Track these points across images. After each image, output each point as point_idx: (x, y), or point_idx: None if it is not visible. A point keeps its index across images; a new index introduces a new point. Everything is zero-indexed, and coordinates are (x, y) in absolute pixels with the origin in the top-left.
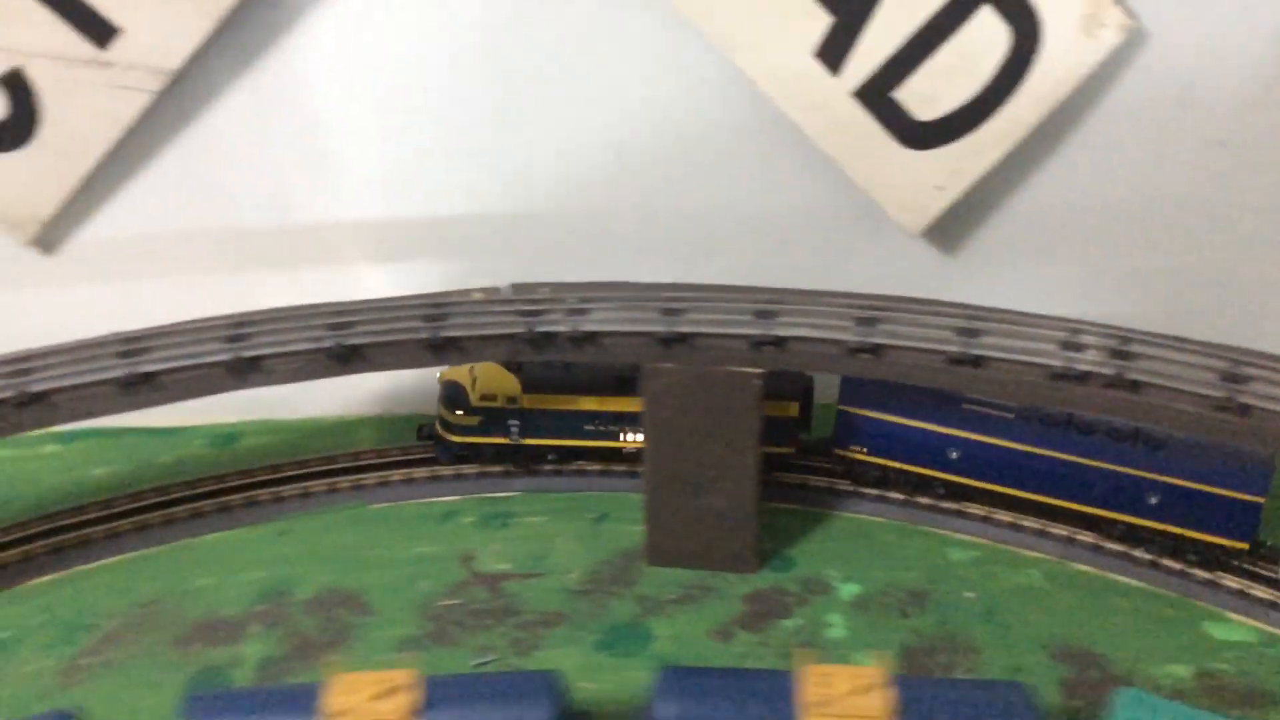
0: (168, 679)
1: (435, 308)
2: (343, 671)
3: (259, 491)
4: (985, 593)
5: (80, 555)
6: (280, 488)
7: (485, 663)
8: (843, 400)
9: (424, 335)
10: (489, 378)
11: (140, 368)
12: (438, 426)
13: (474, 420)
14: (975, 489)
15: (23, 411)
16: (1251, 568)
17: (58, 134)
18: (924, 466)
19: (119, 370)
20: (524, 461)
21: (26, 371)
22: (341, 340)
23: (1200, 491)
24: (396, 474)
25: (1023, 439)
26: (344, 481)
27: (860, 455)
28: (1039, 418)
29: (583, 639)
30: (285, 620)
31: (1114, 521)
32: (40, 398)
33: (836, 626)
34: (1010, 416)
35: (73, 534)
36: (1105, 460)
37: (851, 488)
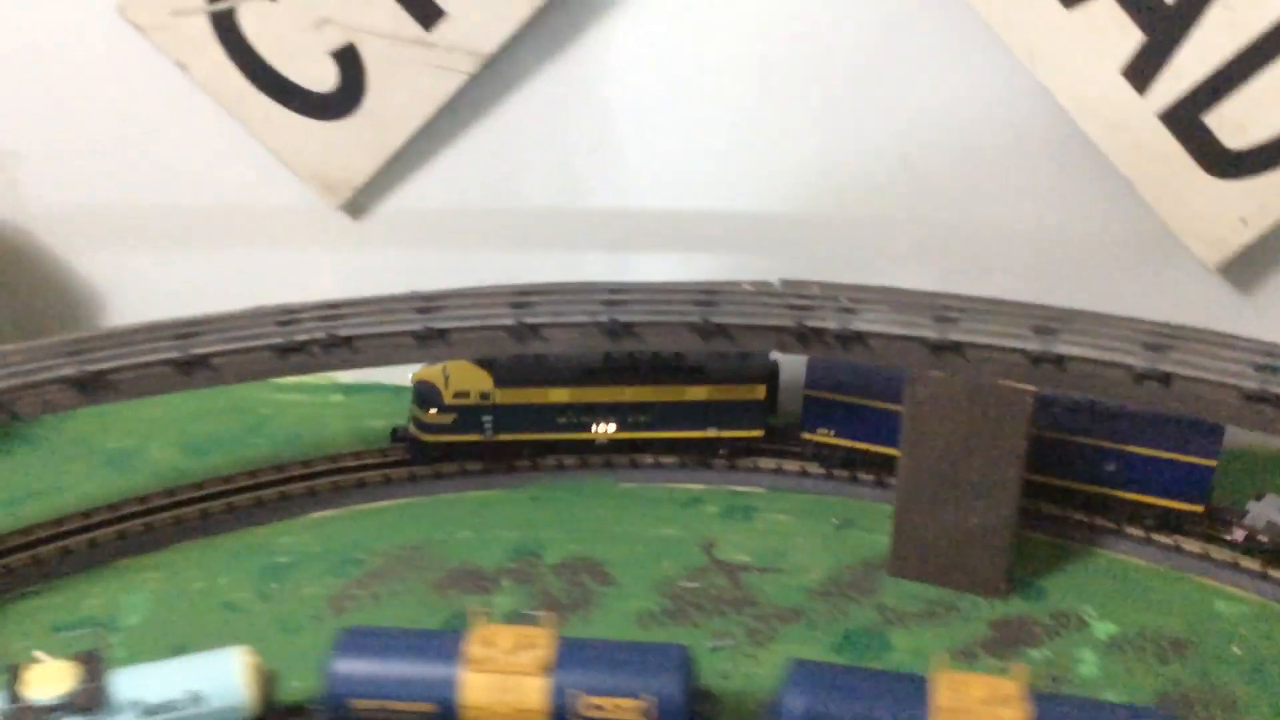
0: (425, 618)
1: (706, 294)
2: (486, 623)
3: (519, 461)
4: (1253, 650)
5: (357, 495)
6: (538, 458)
7: (721, 646)
8: (809, 384)
9: (694, 319)
10: (462, 375)
11: (434, 324)
12: (411, 427)
13: (447, 418)
14: None
15: (330, 352)
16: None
17: (379, 108)
18: (892, 447)
19: (416, 324)
20: (497, 458)
21: (335, 318)
22: (615, 316)
23: (1156, 458)
24: (647, 457)
25: None
26: (596, 459)
27: (827, 438)
28: None
29: (820, 639)
30: (534, 579)
31: (1075, 492)
32: (346, 341)
33: (1088, 664)
34: None
35: (352, 475)
36: (1065, 432)
37: (1114, 525)
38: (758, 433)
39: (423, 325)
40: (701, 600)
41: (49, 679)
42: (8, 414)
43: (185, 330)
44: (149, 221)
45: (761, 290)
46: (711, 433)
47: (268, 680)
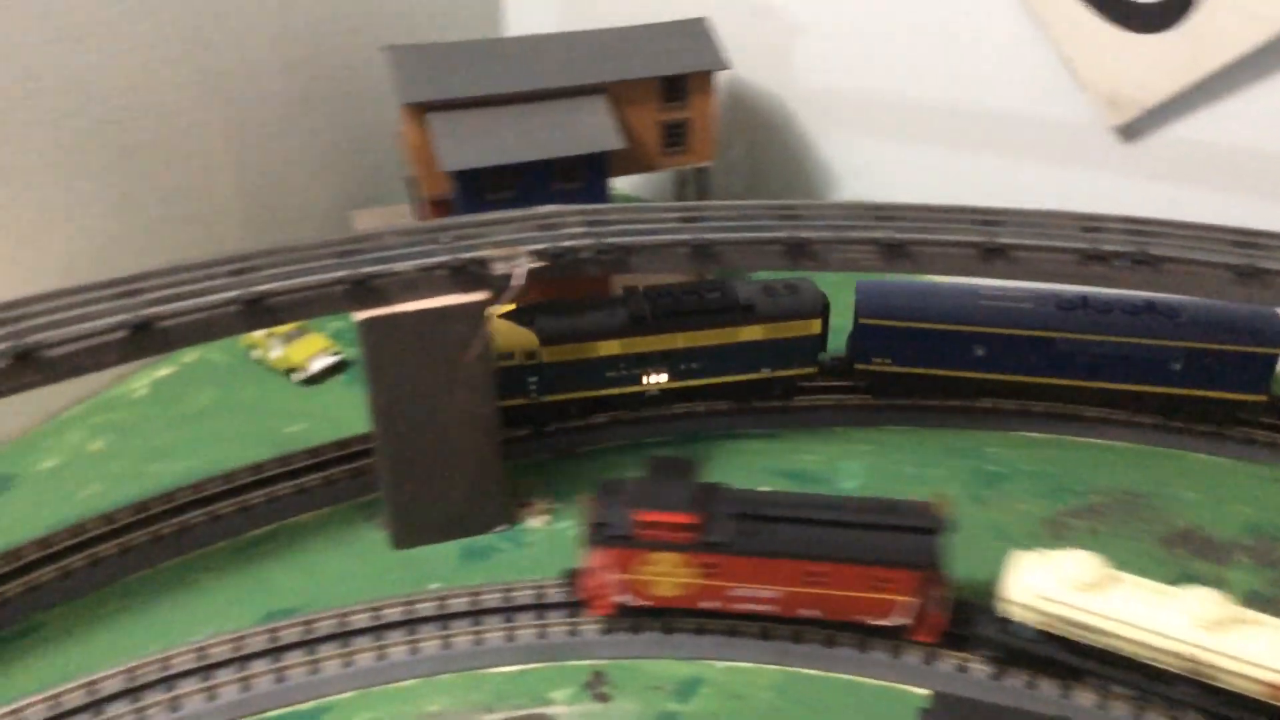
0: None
1: None
2: None
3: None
4: None
5: (1064, 427)
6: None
7: None
8: (861, 313)
9: None
10: (504, 334)
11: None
12: None
13: None
14: (1005, 383)
15: (1136, 270)
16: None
17: (1203, 26)
18: (951, 369)
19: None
20: (543, 421)
21: (1140, 234)
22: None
23: (1218, 350)
24: None
25: (1044, 325)
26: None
27: (885, 367)
28: (1056, 303)
29: None
30: (1275, 563)
31: (1142, 395)
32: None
33: None
34: (1028, 305)
35: (1068, 406)
36: (1127, 334)
37: None
38: (812, 370)
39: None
40: None
41: None
42: (817, 262)
43: (987, 218)
44: (898, 112)
45: None
46: (765, 373)
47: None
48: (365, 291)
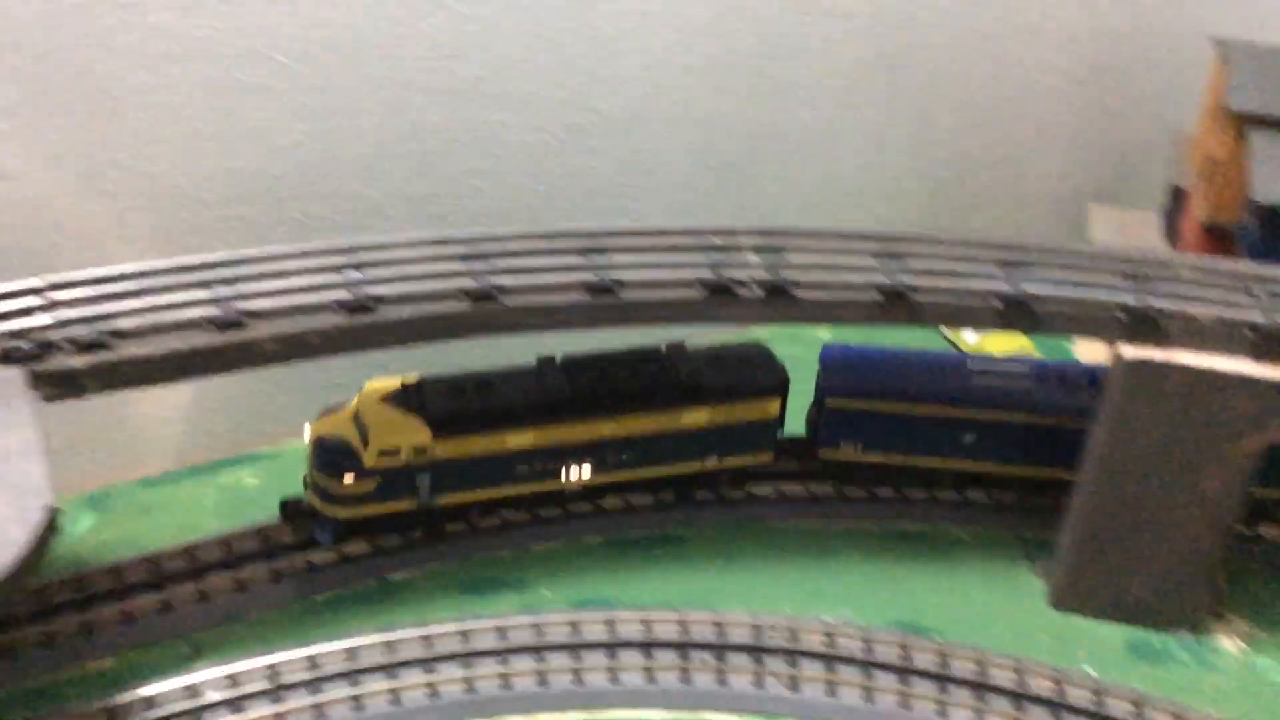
0: None
1: None
2: None
3: None
4: None
5: None
6: None
7: None
8: (828, 392)
9: None
10: (385, 426)
11: None
12: (313, 498)
13: (369, 485)
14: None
15: None
16: None
17: None
18: (933, 457)
19: None
20: (434, 526)
21: None
22: None
23: None
24: None
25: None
26: None
27: (854, 455)
28: (1059, 378)
29: None
30: None
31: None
32: None
33: None
34: (1029, 384)
35: None
36: None
37: None
38: (767, 458)
39: None
40: None
41: None
42: None
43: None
44: None
45: None
46: (712, 463)
47: None
48: (1144, 325)
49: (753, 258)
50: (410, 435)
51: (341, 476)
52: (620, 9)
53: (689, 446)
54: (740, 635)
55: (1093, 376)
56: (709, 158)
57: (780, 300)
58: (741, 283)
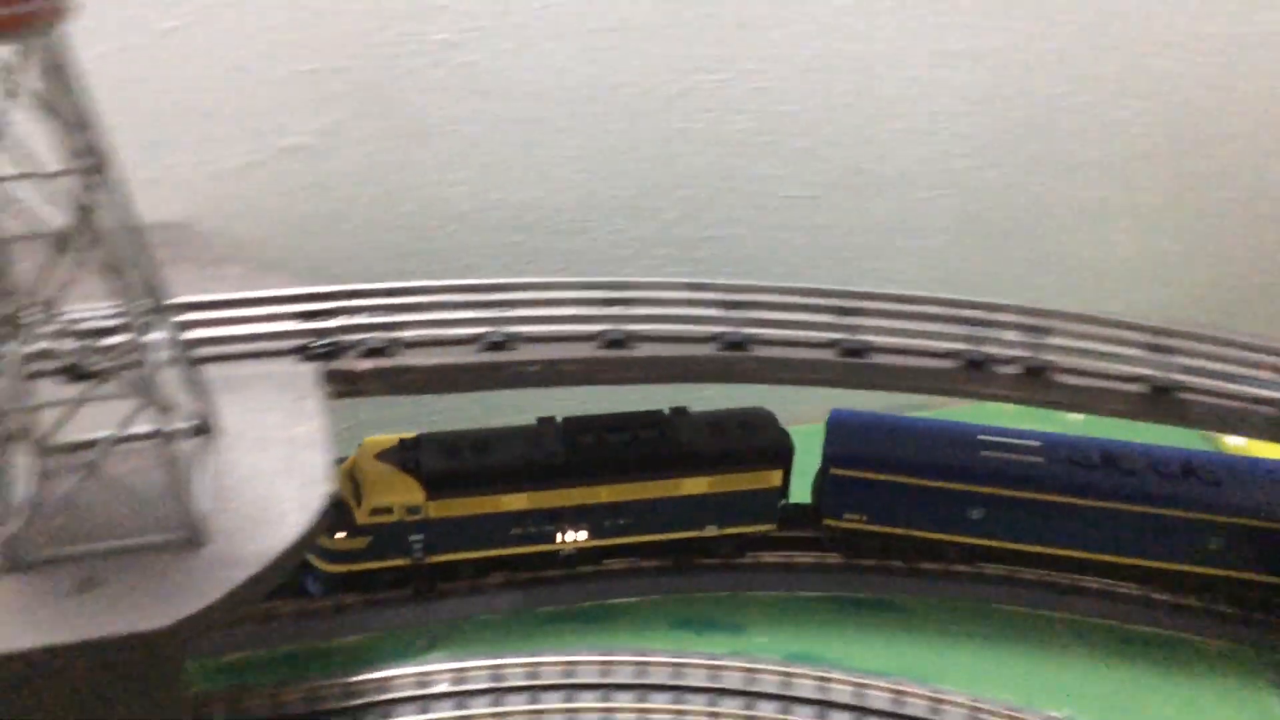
0: None
1: None
2: None
3: None
4: None
5: None
6: None
7: None
8: (834, 461)
9: None
10: (380, 483)
11: None
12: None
13: (361, 543)
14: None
15: None
16: None
17: None
18: (939, 531)
19: None
20: (427, 584)
21: None
22: None
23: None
24: None
25: (1057, 487)
26: None
27: (858, 524)
28: (1070, 456)
29: None
30: None
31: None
32: None
33: None
34: (1040, 460)
35: None
36: (1153, 504)
37: None
38: (769, 527)
39: None
40: None
41: None
42: None
43: None
44: None
45: None
46: (711, 531)
47: None
48: None
49: (1011, 335)
50: (404, 494)
51: (333, 533)
52: (901, 75)
53: (687, 514)
54: (956, 716)
55: (1106, 454)
56: (973, 228)
57: (1036, 382)
58: (998, 359)
